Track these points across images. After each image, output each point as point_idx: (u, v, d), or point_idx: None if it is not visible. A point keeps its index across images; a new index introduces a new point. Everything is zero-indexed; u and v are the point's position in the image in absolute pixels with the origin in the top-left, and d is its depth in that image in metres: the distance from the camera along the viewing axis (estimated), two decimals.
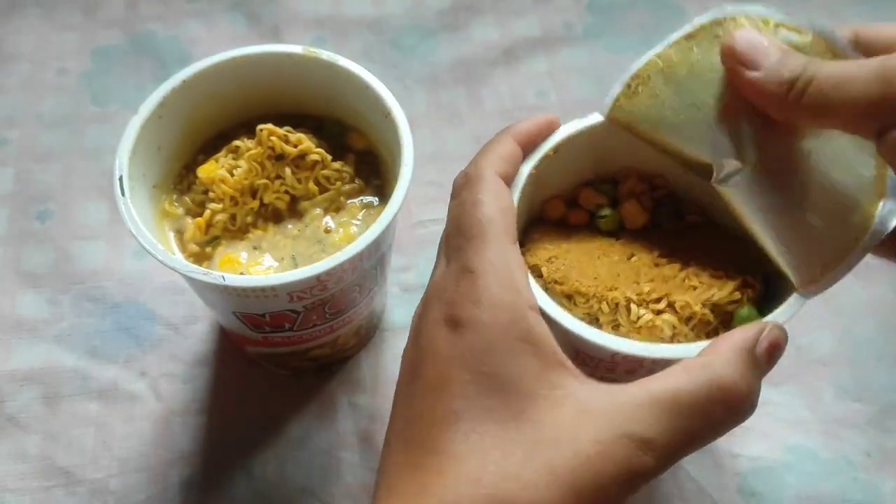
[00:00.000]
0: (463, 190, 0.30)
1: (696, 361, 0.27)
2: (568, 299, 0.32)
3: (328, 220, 0.39)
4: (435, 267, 0.30)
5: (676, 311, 0.31)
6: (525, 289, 0.28)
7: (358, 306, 0.40)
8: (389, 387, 0.45)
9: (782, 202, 0.29)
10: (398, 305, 0.48)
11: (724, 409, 0.26)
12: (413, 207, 0.51)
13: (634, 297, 0.31)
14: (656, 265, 0.33)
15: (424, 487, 0.25)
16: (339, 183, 0.39)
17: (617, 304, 0.31)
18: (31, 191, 0.51)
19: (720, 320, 0.31)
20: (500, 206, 0.29)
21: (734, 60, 0.29)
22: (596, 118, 0.33)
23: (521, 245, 0.34)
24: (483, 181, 0.30)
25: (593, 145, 0.34)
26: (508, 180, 0.31)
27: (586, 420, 0.25)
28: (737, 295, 0.31)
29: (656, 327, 0.30)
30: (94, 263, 0.48)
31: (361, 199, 0.40)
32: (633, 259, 0.34)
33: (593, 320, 0.32)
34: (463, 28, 0.58)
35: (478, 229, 0.28)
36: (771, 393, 0.44)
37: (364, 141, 0.41)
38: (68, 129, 0.54)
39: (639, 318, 0.31)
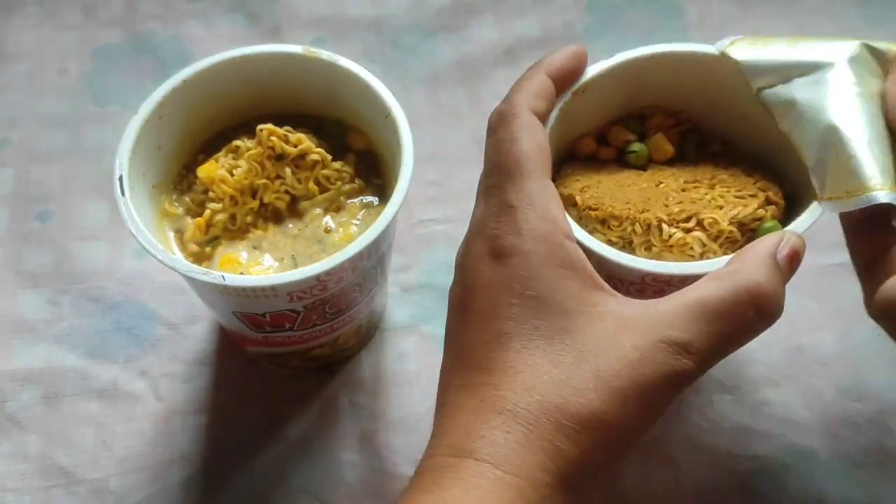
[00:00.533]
0: (499, 128, 0.31)
1: (723, 270, 0.29)
2: (602, 224, 0.34)
3: (328, 220, 0.39)
4: (475, 205, 0.32)
5: (705, 229, 0.33)
6: (561, 220, 0.30)
7: (358, 306, 0.40)
8: (390, 386, 0.45)
9: (841, 119, 0.30)
10: (398, 305, 0.48)
11: (753, 310, 0.28)
12: (413, 207, 0.51)
13: (665, 218, 0.33)
14: (683, 190, 0.35)
15: (483, 401, 0.27)
16: (339, 183, 0.39)
17: (649, 226, 0.33)
18: (31, 191, 0.51)
19: (746, 238, 0.33)
20: (535, 142, 0.31)
21: None
22: (620, 58, 0.35)
23: (554, 179, 0.36)
24: (518, 119, 0.31)
25: (621, 84, 0.36)
26: (543, 115, 0.33)
27: (626, 330, 0.28)
28: (761, 212, 0.33)
29: (687, 244, 0.32)
30: (94, 263, 0.48)
31: (361, 199, 0.40)
32: (662, 185, 0.35)
33: (627, 243, 0.34)
34: (463, 28, 0.58)
35: (515, 166, 0.30)
36: (771, 393, 0.44)
37: (364, 141, 0.41)
38: (68, 129, 0.54)
39: (670, 236, 0.32)
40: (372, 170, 0.41)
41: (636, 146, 0.38)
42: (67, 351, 0.46)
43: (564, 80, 0.34)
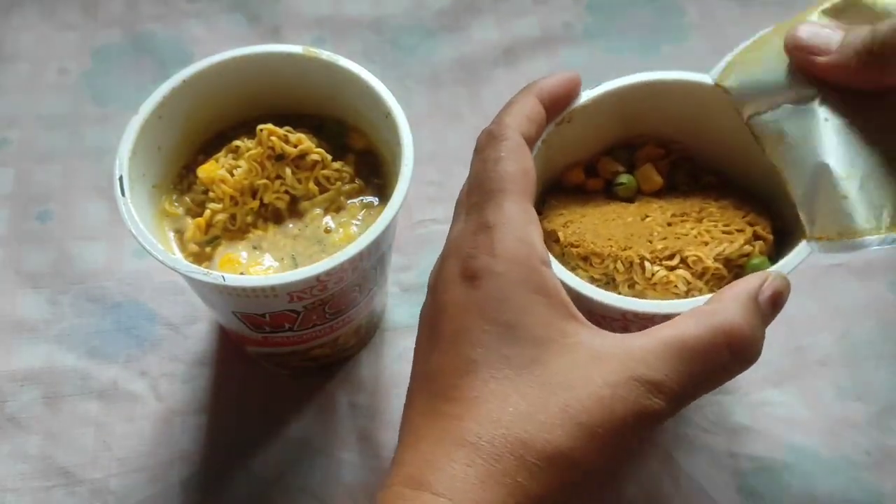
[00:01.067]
0: (486, 147, 0.31)
1: (702, 309, 0.28)
2: (584, 261, 0.33)
3: (328, 220, 0.39)
4: (453, 224, 0.31)
5: (689, 267, 0.32)
6: (539, 245, 0.29)
7: (358, 306, 0.40)
8: (390, 387, 0.45)
9: (833, 156, 0.29)
10: (398, 305, 0.48)
11: (729, 352, 0.27)
12: (413, 207, 0.51)
13: (648, 255, 0.32)
14: (669, 224, 0.34)
15: (445, 431, 0.26)
16: (339, 183, 0.39)
17: (631, 263, 0.32)
18: (31, 191, 0.51)
19: (733, 275, 0.32)
20: (520, 165, 0.30)
21: (803, 51, 0.30)
22: (608, 87, 0.35)
23: (539, 211, 0.35)
24: (505, 140, 0.31)
25: (608, 113, 0.36)
26: (531, 139, 0.32)
27: (598, 364, 0.27)
28: (748, 248, 0.32)
29: (671, 283, 0.32)
30: (94, 263, 0.48)
31: (361, 199, 0.40)
32: (647, 220, 0.35)
33: (610, 280, 0.33)
34: (463, 28, 0.58)
35: (498, 186, 0.29)
36: (771, 393, 0.44)
37: (364, 141, 0.41)
38: (68, 129, 0.54)
39: (653, 274, 0.32)
40: (372, 170, 0.41)
41: (624, 178, 0.37)
42: (67, 351, 0.46)
43: (555, 105, 0.34)
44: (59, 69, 0.56)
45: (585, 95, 0.35)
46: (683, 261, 0.32)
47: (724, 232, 0.33)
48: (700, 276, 0.32)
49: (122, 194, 0.35)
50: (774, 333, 0.45)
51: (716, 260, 0.32)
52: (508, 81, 0.56)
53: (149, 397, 0.45)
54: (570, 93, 0.35)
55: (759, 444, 0.43)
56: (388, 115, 0.38)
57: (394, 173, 0.37)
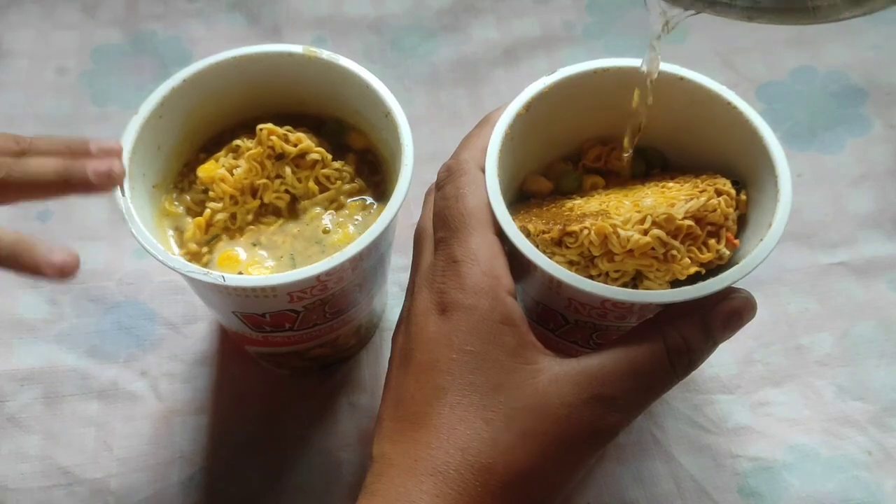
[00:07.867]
0: (446, 183, 0.33)
1: (651, 326, 0.30)
2: (559, 245, 0.33)
3: (328, 220, 0.39)
4: (419, 255, 0.33)
5: (662, 226, 0.32)
6: (503, 275, 0.30)
7: (358, 306, 0.40)
8: None
9: None
10: (398, 305, 0.47)
11: (672, 368, 0.30)
12: (413, 207, 0.50)
13: (619, 223, 0.32)
14: (633, 202, 0.35)
15: (417, 459, 0.28)
16: (339, 182, 0.39)
17: (605, 235, 0.32)
18: None
19: (707, 232, 0.33)
20: (480, 198, 0.32)
21: None
22: (561, 74, 0.36)
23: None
24: (465, 175, 0.32)
25: (561, 104, 0.36)
26: None
27: (556, 387, 0.29)
28: (713, 203, 0.32)
29: (648, 244, 0.32)
30: (95, 263, 0.48)
31: (361, 199, 0.40)
32: (612, 203, 0.35)
33: (588, 260, 0.33)
34: (463, 28, 0.58)
35: (460, 222, 0.31)
36: (771, 393, 0.44)
37: (364, 140, 0.41)
38: (68, 129, 0.54)
39: (629, 240, 0.32)
40: (372, 169, 0.41)
41: (570, 173, 0.38)
42: (67, 351, 0.46)
43: None
44: (58, 68, 0.56)
45: (539, 84, 0.36)
46: (655, 222, 0.32)
47: (687, 195, 0.33)
48: (674, 235, 0.32)
49: (122, 194, 0.35)
50: (774, 333, 0.46)
51: (685, 217, 0.32)
52: (508, 81, 0.56)
53: (149, 397, 0.45)
54: None
55: (760, 444, 0.43)
56: (387, 115, 0.38)
57: (393, 173, 0.37)
